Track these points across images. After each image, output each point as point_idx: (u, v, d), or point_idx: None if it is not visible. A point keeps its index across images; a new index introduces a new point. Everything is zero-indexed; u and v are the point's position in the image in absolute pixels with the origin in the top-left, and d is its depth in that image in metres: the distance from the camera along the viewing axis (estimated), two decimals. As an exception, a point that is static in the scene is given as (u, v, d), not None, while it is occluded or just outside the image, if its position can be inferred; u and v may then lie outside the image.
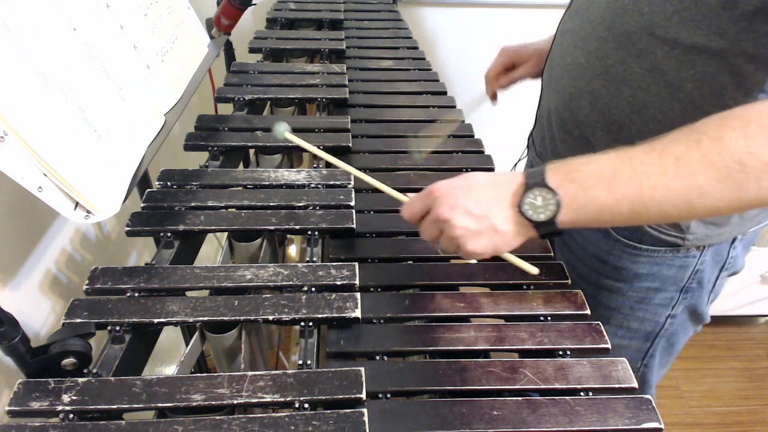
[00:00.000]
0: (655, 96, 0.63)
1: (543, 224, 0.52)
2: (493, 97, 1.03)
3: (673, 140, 0.49)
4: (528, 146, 0.91)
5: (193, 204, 0.69)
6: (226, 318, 0.56)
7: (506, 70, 0.99)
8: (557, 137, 0.77)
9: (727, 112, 0.47)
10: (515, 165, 0.96)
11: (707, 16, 0.56)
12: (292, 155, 0.97)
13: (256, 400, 0.49)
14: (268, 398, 0.49)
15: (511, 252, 0.57)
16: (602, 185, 0.50)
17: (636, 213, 0.49)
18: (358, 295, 0.59)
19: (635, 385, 0.53)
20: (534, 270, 0.59)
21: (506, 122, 1.77)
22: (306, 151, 0.69)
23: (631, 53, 0.63)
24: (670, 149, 0.48)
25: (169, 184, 0.73)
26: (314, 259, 0.65)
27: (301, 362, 0.54)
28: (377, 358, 0.55)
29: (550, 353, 0.56)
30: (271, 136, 0.68)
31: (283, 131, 0.66)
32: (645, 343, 0.82)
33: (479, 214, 0.53)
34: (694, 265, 0.73)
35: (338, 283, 0.60)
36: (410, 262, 0.67)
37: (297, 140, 0.67)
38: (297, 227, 0.68)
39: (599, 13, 0.66)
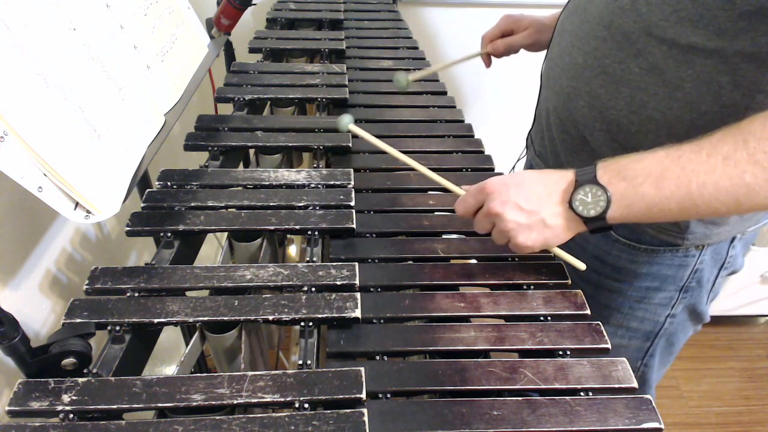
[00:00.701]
0: (653, 96, 0.63)
1: (593, 220, 0.55)
2: (487, 61, 1.04)
3: (720, 140, 0.50)
4: (527, 146, 0.91)
5: (193, 204, 0.69)
6: (226, 318, 0.56)
7: (503, 36, 0.99)
8: (556, 137, 0.77)
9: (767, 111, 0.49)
10: (514, 165, 0.96)
11: (705, 15, 0.56)
12: (292, 155, 0.97)
13: (256, 400, 0.49)
14: (268, 398, 0.49)
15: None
16: (651, 183, 0.52)
17: (684, 209, 0.52)
18: (358, 295, 0.59)
19: (635, 385, 0.53)
20: (582, 266, 0.62)
21: (505, 122, 1.77)
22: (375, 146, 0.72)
23: (630, 53, 0.63)
24: (717, 149, 0.50)
25: (169, 184, 0.73)
26: (314, 259, 0.65)
27: (301, 362, 0.54)
28: (377, 358, 0.55)
29: (550, 353, 0.56)
30: (337, 126, 0.72)
31: (347, 123, 0.71)
32: (645, 343, 0.82)
33: (530, 209, 0.57)
34: (694, 264, 0.73)
35: (338, 283, 0.60)
36: (410, 262, 0.67)
37: (361, 132, 0.71)
38: (297, 227, 0.68)
39: (598, 13, 0.66)
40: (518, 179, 0.59)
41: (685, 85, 0.60)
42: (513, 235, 0.58)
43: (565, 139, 0.75)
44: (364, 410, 0.48)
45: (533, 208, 0.57)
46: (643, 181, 0.53)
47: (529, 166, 0.91)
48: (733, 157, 0.49)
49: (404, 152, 0.85)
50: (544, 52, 0.82)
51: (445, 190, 0.68)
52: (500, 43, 0.99)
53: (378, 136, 0.90)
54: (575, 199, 0.56)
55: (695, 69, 0.59)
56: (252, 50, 1.11)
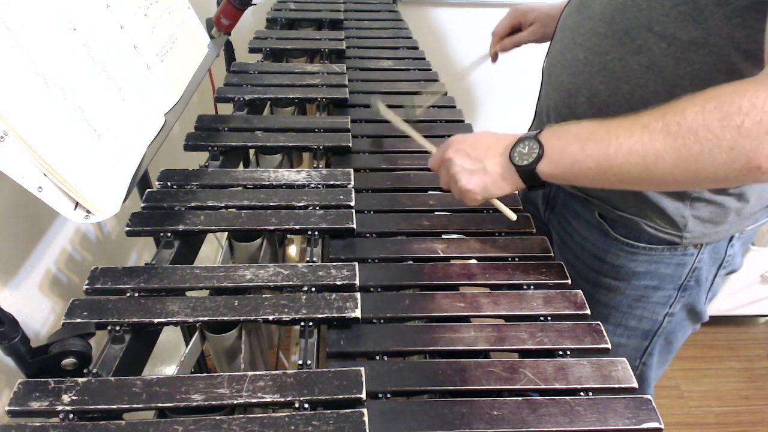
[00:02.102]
0: (653, 93, 0.63)
1: (524, 169, 0.59)
2: (494, 57, 1.07)
3: (649, 112, 0.53)
4: None
5: (193, 204, 0.69)
6: (226, 318, 0.56)
7: (513, 32, 1.00)
8: None
9: (700, 92, 0.51)
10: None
11: (704, 11, 0.56)
12: (292, 155, 0.97)
13: (256, 400, 0.49)
14: (268, 398, 0.49)
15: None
16: (579, 142, 0.56)
17: (602, 170, 0.55)
18: (358, 295, 0.59)
19: (635, 385, 0.53)
20: (513, 216, 0.68)
21: (505, 120, 1.77)
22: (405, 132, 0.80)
23: (630, 50, 0.63)
24: (642, 118, 0.53)
25: (169, 184, 0.73)
26: (314, 259, 0.65)
27: (301, 362, 0.54)
28: (377, 358, 0.55)
29: (550, 353, 0.56)
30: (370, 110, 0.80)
31: (380, 107, 0.77)
32: (643, 342, 0.82)
33: (475, 156, 0.63)
34: (692, 263, 0.73)
35: (338, 283, 0.60)
36: (410, 262, 0.67)
37: (392, 116, 0.77)
38: (297, 227, 0.68)
39: (599, 9, 0.66)
40: (476, 136, 0.65)
41: (684, 82, 0.61)
42: (457, 179, 0.63)
43: None
44: (364, 410, 0.48)
45: (478, 156, 0.62)
46: (573, 141, 0.57)
47: None
48: (651, 125, 0.52)
49: (404, 152, 0.86)
50: (546, 49, 0.82)
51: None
52: (508, 42, 1.01)
53: (378, 136, 0.90)
54: (514, 150, 0.60)
55: (694, 66, 0.59)
56: (252, 50, 1.11)
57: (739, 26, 0.55)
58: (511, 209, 0.69)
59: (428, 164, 0.70)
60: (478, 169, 0.62)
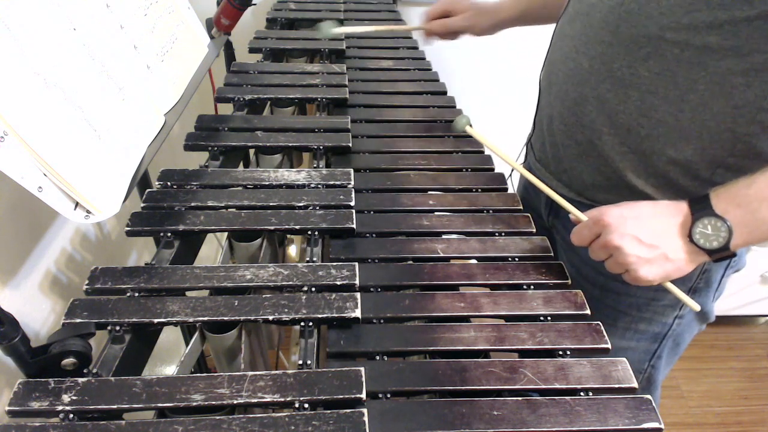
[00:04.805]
0: (664, 99, 0.63)
1: (717, 251, 0.55)
2: (427, 36, 1.07)
3: None
4: (527, 152, 0.91)
5: (193, 204, 0.69)
6: (226, 318, 0.56)
7: (443, 17, 1.01)
8: (559, 142, 0.77)
9: None
10: (511, 170, 0.96)
11: (720, 17, 0.56)
12: (292, 155, 0.97)
13: (256, 400, 0.49)
14: (268, 398, 0.49)
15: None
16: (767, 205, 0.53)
17: None
18: (358, 295, 0.59)
19: (635, 385, 0.53)
20: (696, 307, 0.62)
21: (504, 125, 1.77)
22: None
23: (638, 57, 0.63)
24: None
25: (169, 184, 0.73)
26: (314, 259, 0.65)
27: (301, 362, 0.54)
28: (377, 358, 0.55)
29: (550, 353, 0.56)
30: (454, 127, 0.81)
31: (465, 124, 0.77)
32: (653, 345, 0.82)
33: (650, 243, 0.57)
34: (702, 265, 0.73)
35: (338, 283, 0.60)
36: (410, 262, 0.67)
37: (479, 136, 0.77)
38: (297, 227, 0.68)
39: (602, 18, 0.66)
40: (635, 212, 0.59)
41: (698, 86, 0.60)
42: (634, 269, 0.58)
43: (570, 145, 0.75)
44: (364, 410, 0.48)
45: (653, 242, 0.57)
46: (759, 206, 0.54)
47: (529, 170, 0.91)
48: None
49: (404, 152, 0.86)
50: (543, 59, 0.82)
51: None
52: (436, 24, 1.01)
53: (378, 137, 0.90)
54: (695, 232, 0.56)
55: (708, 70, 0.59)
56: (252, 50, 1.11)
57: (760, 27, 0.55)
58: (511, 209, 0.69)
59: (573, 241, 0.63)
60: (658, 257, 0.58)
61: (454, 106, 0.99)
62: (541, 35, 0.87)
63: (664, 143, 0.65)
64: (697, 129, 0.63)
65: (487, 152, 0.87)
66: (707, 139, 0.63)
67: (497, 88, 1.78)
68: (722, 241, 0.55)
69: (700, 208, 0.56)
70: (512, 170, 0.85)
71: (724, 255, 0.56)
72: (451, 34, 1.02)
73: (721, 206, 0.55)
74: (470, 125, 0.75)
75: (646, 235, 0.58)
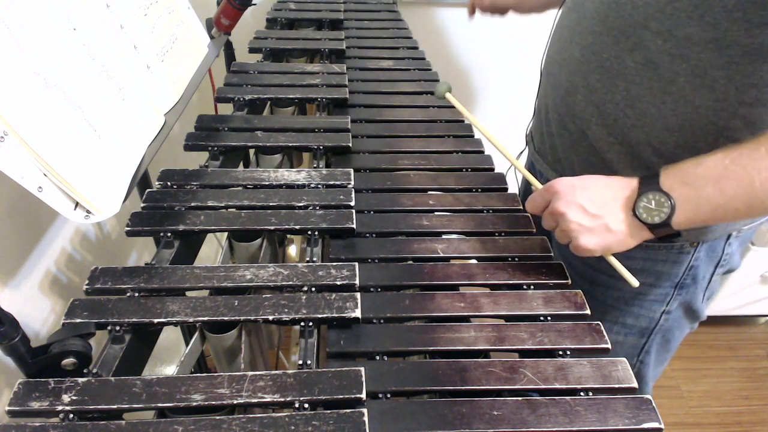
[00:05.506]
0: (648, 90, 0.63)
1: (658, 226, 0.55)
2: (471, 10, 1.08)
3: (765, 135, 0.51)
4: (527, 142, 0.91)
5: (193, 204, 0.69)
6: (226, 318, 0.56)
7: None
8: (554, 132, 0.77)
9: None
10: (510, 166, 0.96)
11: (700, 6, 0.56)
12: (292, 155, 0.97)
13: (256, 400, 0.49)
14: (268, 398, 0.49)
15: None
16: (713, 185, 0.53)
17: (752, 207, 0.53)
18: (358, 295, 0.59)
19: (635, 385, 0.53)
20: (635, 282, 0.62)
21: (504, 120, 1.77)
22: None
23: (625, 47, 0.63)
24: (764, 143, 0.51)
25: (169, 184, 0.73)
26: (314, 259, 0.65)
27: (301, 362, 0.54)
28: (377, 358, 0.55)
29: (550, 353, 0.56)
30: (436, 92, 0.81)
31: (445, 91, 0.76)
32: (640, 339, 0.83)
33: (594, 212, 0.58)
34: (689, 261, 0.73)
35: (338, 283, 0.60)
36: (410, 262, 0.67)
37: (457, 104, 0.77)
38: (297, 227, 0.68)
39: (594, 8, 0.67)
40: (586, 182, 0.60)
41: (679, 79, 0.61)
42: (575, 236, 0.59)
43: (564, 134, 0.75)
44: (364, 410, 0.48)
45: (597, 212, 0.58)
46: (705, 184, 0.54)
47: (529, 163, 0.91)
48: None
49: (404, 152, 0.86)
50: (544, 47, 0.83)
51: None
52: (487, 3, 1.03)
53: (378, 137, 0.90)
54: (639, 206, 0.56)
55: (689, 63, 0.59)
56: (252, 50, 1.11)
57: (738, 20, 0.55)
58: (511, 210, 0.69)
59: (527, 207, 0.65)
60: (599, 226, 0.58)
61: (454, 106, 0.99)
62: (540, 33, 0.87)
63: (648, 134, 0.66)
64: (680, 122, 0.63)
65: (487, 152, 0.87)
66: (689, 133, 0.63)
67: (497, 88, 1.78)
68: (663, 216, 0.55)
69: (648, 183, 0.57)
70: (507, 170, 0.85)
71: (666, 232, 0.56)
72: (500, 10, 1.03)
73: (667, 183, 0.55)
74: (450, 92, 0.75)
75: (591, 205, 0.58)
